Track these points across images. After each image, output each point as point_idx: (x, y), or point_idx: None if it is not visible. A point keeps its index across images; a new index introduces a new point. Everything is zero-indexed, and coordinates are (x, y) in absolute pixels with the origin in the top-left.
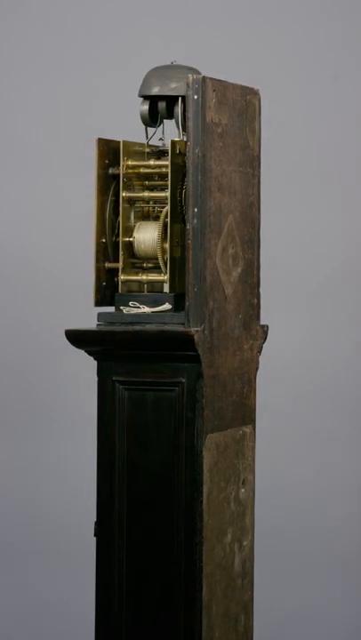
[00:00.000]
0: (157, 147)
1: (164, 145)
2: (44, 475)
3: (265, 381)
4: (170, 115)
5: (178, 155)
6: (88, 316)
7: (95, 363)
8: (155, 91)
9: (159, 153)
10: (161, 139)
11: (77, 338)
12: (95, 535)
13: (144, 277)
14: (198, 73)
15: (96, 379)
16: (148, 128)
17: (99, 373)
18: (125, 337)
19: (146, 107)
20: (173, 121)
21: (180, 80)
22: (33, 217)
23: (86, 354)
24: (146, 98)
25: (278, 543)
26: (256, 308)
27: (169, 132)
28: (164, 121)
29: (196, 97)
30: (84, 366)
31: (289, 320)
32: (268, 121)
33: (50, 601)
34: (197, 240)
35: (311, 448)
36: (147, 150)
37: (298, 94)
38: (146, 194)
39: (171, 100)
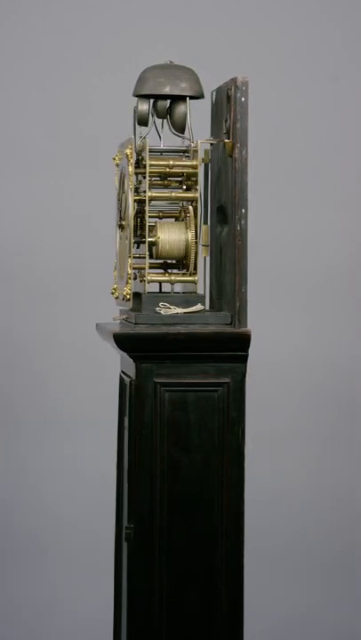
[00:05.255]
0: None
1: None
2: (43, 476)
3: (264, 381)
4: (162, 114)
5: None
6: (92, 316)
7: (95, 363)
8: (166, 90)
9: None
10: (144, 138)
11: (127, 340)
12: (126, 540)
13: (173, 278)
14: (195, 73)
15: (95, 378)
16: (139, 127)
17: (138, 375)
18: (178, 338)
19: (146, 106)
20: (156, 120)
21: (189, 80)
22: (33, 216)
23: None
24: (147, 97)
25: (277, 543)
26: None
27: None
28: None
29: (243, 99)
30: (84, 367)
31: (288, 320)
32: (268, 120)
33: (49, 601)
34: (244, 241)
35: (311, 448)
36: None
37: (298, 95)
38: (173, 194)
39: (172, 100)
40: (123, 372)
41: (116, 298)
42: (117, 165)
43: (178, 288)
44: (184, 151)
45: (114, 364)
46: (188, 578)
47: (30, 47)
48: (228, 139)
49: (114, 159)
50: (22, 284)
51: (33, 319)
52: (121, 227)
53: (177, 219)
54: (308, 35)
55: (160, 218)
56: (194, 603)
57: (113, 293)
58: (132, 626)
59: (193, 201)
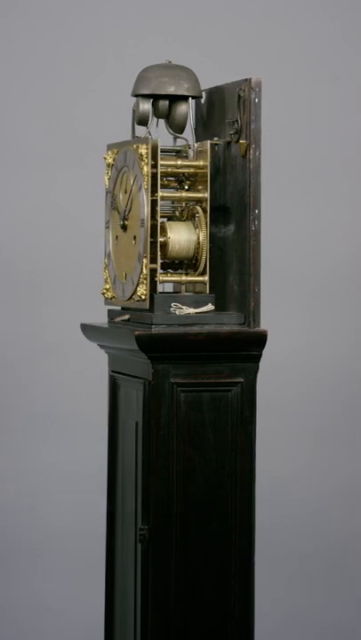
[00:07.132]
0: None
1: None
2: (43, 476)
3: (265, 381)
4: (162, 114)
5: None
6: (74, 315)
7: (81, 364)
8: (170, 90)
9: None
10: (137, 137)
11: (150, 341)
12: (141, 541)
13: (183, 278)
14: (194, 74)
15: (89, 377)
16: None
17: (155, 376)
18: (198, 338)
19: (148, 105)
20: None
21: (190, 80)
22: (23, 216)
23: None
24: (148, 97)
25: (278, 542)
26: None
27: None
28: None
29: (257, 100)
30: (71, 367)
31: (289, 320)
32: (269, 120)
33: (48, 601)
34: (258, 241)
35: (311, 447)
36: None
37: (298, 94)
38: (184, 194)
39: (171, 100)
40: (115, 371)
41: (111, 298)
42: (109, 165)
43: (172, 288)
44: (177, 151)
45: (100, 364)
46: (201, 576)
47: (25, 46)
48: (240, 139)
49: (105, 158)
50: (10, 282)
51: (18, 318)
52: (123, 227)
53: (170, 218)
54: (309, 34)
55: None
56: (207, 600)
57: (104, 294)
58: (148, 624)
59: (201, 201)
